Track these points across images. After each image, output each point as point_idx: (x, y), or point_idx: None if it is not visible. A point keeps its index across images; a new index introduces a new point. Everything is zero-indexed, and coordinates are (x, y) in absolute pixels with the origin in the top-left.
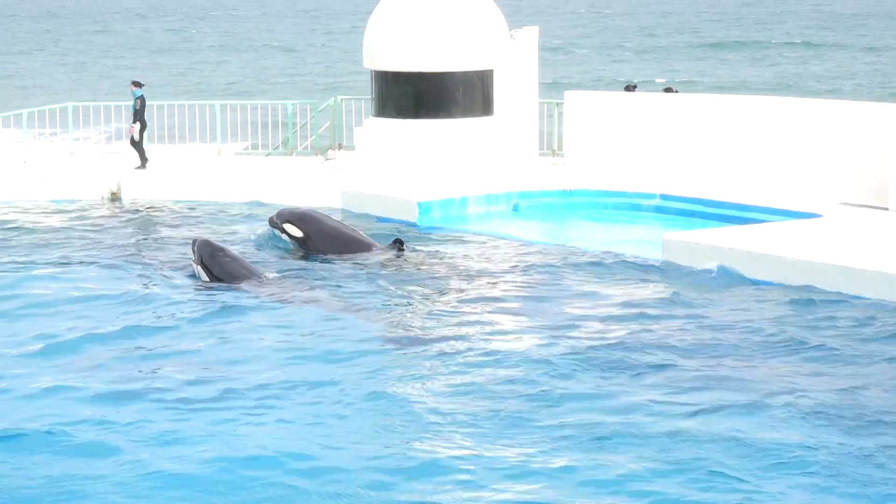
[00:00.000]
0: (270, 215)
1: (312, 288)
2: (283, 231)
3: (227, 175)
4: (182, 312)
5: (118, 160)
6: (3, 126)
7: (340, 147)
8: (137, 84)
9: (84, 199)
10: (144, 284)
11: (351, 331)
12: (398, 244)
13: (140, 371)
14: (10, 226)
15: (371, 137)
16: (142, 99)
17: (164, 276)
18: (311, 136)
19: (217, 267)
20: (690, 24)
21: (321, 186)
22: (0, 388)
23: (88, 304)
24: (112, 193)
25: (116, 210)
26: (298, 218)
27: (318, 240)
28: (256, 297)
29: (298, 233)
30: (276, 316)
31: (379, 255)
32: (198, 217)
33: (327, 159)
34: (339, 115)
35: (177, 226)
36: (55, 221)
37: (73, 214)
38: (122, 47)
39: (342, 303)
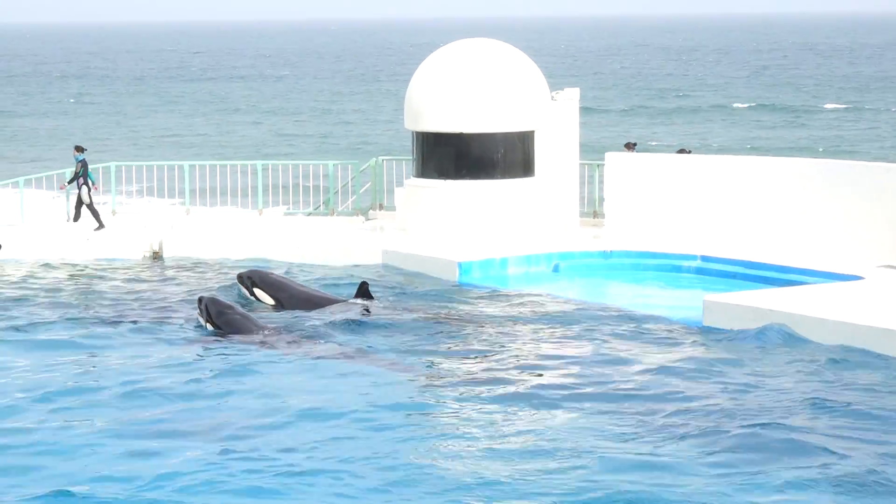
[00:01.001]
0: (240, 272)
1: (333, 343)
2: (253, 294)
3: (269, 234)
4: (216, 369)
5: (160, 219)
6: (47, 185)
7: (381, 207)
8: (80, 149)
9: (126, 258)
10: (179, 342)
11: (390, 386)
12: (364, 291)
13: (168, 427)
14: (51, 284)
15: (412, 198)
16: (83, 162)
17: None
18: (352, 196)
19: (226, 324)
20: (734, 84)
21: (362, 246)
22: (22, 442)
23: (127, 362)
24: (154, 252)
25: (158, 268)
26: (268, 285)
27: (289, 305)
28: (283, 353)
29: (269, 300)
30: (311, 372)
31: (350, 308)
32: (226, 276)
33: (368, 219)
34: (379, 176)
35: (217, 285)
36: (97, 279)
37: (115, 273)
38: (160, 106)
39: (375, 357)
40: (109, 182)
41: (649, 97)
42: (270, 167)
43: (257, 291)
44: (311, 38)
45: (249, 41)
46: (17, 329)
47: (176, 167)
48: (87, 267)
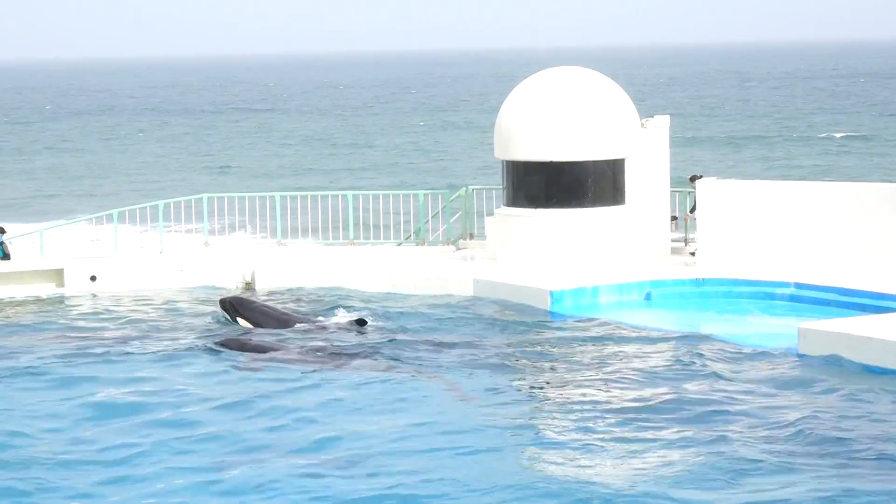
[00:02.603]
0: (222, 297)
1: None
2: (235, 320)
3: (359, 265)
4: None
5: (252, 250)
6: (140, 218)
7: (472, 236)
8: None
9: (219, 289)
10: (263, 369)
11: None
12: (360, 323)
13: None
14: (143, 314)
15: (502, 226)
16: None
17: (278, 361)
18: (442, 226)
19: (253, 314)
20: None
21: (453, 276)
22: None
23: (218, 388)
24: (246, 283)
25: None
26: (250, 310)
27: (266, 326)
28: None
29: (247, 324)
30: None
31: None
32: (328, 304)
33: (458, 249)
34: (470, 205)
35: (306, 313)
36: (189, 310)
37: (207, 303)
38: (245, 137)
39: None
40: (202, 213)
41: (746, 124)
42: (361, 197)
43: (239, 319)
44: (388, 69)
45: (322, 72)
46: (107, 356)
47: (267, 198)
48: (178, 298)
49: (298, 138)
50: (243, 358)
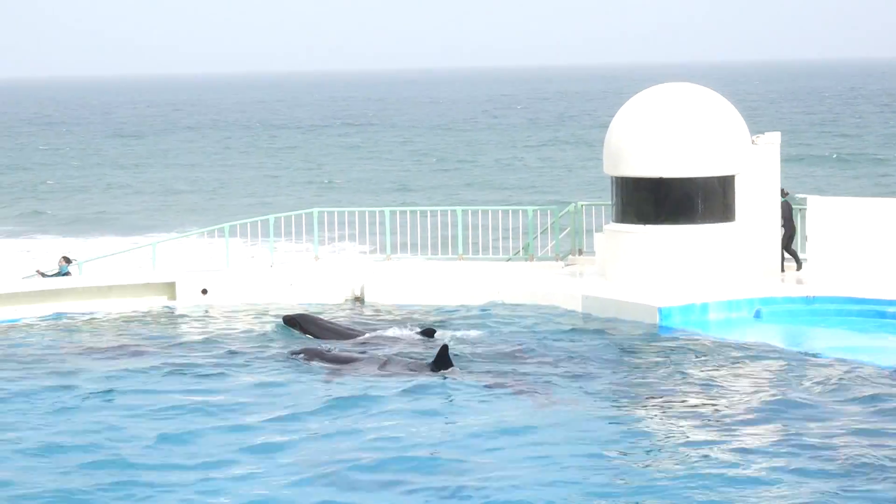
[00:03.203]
0: (286, 314)
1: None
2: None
3: (468, 280)
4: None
5: (362, 264)
6: (251, 232)
7: (581, 252)
8: (67, 260)
9: (328, 303)
10: (375, 383)
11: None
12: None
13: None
14: (253, 327)
15: (611, 242)
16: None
17: (390, 373)
18: (551, 241)
19: (319, 329)
20: None
21: (561, 292)
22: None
23: (324, 399)
24: (356, 297)
25: (358, 312)
26: (311, 324)
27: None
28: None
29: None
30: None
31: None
32: (435, 319)
33: (567, 265)
34: (578, 221)
35: (417, 328)
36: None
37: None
38: (353, 151)
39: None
40: (312, 227)
41: (857, 141)
42: (470, 213)
43: (307, 335)
44: (497, 86)
45: (429, 88)
46: (215, 367)
47: (377, 213)
48: (288, 311)
49: (405, 153)
50: (329, 368)
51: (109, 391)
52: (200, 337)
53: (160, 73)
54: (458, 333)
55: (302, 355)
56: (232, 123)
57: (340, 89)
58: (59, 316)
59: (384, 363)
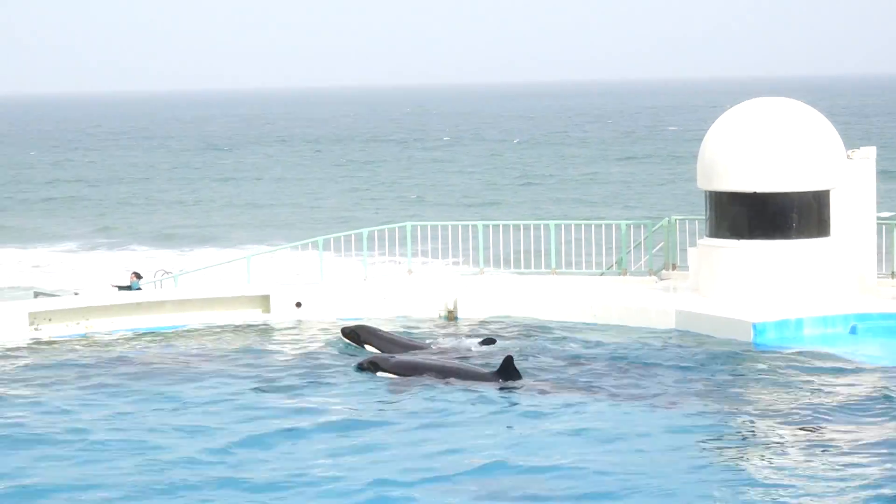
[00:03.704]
0: (344, 326)
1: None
2: (361, 348)
3: (561, 294)
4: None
5: (455, 278)
6: (345, 246)
7: (674, 267)
8: (137, 276)
9: (421, 317)
10: (469, 396)
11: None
12: (508, 366)
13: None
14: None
15: (705, 257)
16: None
17: (455, 383)
18: (644, 256)
19: (380, 341)
20: None
21: (655, 307)
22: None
23: (419, 412)
24: (449, 311)
25: (451, 326)
26: (372, 335)
27: (393, 352)
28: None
29: (375, 350)
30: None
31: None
32: (526, 334)
33: (661, 279)
34: (672, 236)
35: (513, 343)
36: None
37: (409, 330)
38: (442, 165)
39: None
40: (405, 241)
41: None
42: (563, 227)
43: (366, 346)
44: (587, 99)
45: (514, 102)
46: (305, 379)
47: (470, 227)
48: (382, 325)
49: (492, 167)
50: (396, 379)
51: (205, 403)
52: (293, 349)
53: (260, 86)
54: (531, 342)
55: (369, 366)
56: (323, 137)
57: (430, 103)
58: (153, 328)
59: (449, 373)
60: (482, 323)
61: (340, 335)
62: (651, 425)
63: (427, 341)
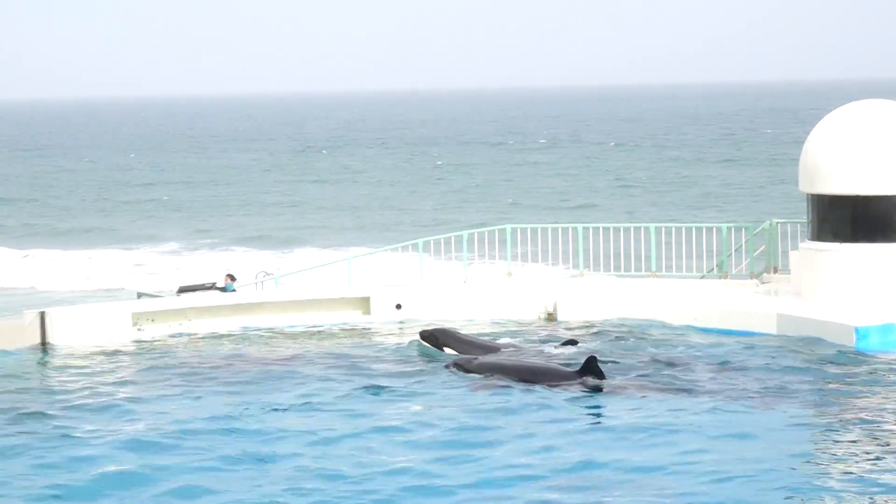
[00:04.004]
0: (423, 329)
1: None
2: (441, 350)
3: (661, 297)
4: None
5: (554, 281)
6: (444, 248)
7: (776, 270)
8: (232, 277)
9: (520, 319)
10: (571, 399)
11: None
12: (592, 367)
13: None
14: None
15: (807, 261)
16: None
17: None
18: (745, 259)
19: (459, 343)
20: None
21: (756, 310)
22: None
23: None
24: (549, 313)
25: (550, 329)
26: (450, 338)
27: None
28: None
29: (454, 353)
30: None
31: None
32: (625, 337)
33: (762, 283)
34: (774, 239)
35: (610, 347)
36: (491, 340)
37: (509, 333)
38: (541, 168)
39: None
40: (505, 244)
41: None
42: (663, 230)
43: (445, 349)
44: (684, 102)
45: (611, 104)
46: (404, 381)
47: (570, 229)
48: (482, 327)
49: (589, 169)
50: (481, 379)
51: (305, 404)
52: (393, 351)
53: (357, 89)
54: (618, 344)
55: (454, 368)
56: (420, 139)
57: (526, 105)
58: (255, 329)
59: (531, 372)
60: (582, 325)
61: (419, 338)
62: (749, 427)
63: (505, 341)
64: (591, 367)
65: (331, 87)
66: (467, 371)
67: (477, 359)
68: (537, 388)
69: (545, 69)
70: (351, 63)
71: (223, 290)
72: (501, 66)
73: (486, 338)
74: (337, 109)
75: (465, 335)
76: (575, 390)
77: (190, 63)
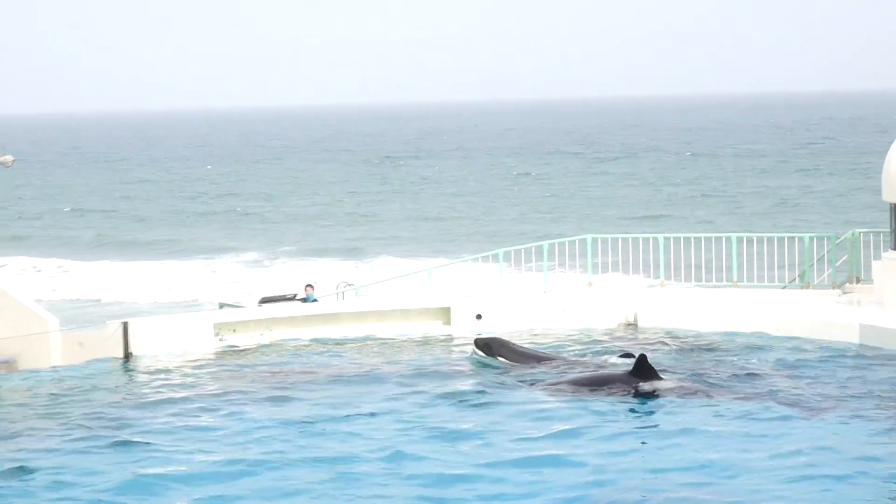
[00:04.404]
0: (477, 337)
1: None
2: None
3: (741, 307)
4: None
5: (635, 290)
6: (525, 258)
7: (858, 281)
8: (311, 287)
9: (602, 328)
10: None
11: None
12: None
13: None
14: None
15: (890, 271)
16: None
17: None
18: (827, 269)
19: (512, 353)
20: None
21: (838, 320)
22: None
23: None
24: (629, 323)
25: (630, 337)
26: (504, 348)
27: (526, 364)
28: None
29: (507, 362)
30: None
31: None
32: (705, 346)
33: (844, 293)
34: (856, 249)
35: (690, 358)
36: (571, 350)
37: (587, 342)
38: (623, 180)
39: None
40: (586, 254)
41: None
42: (745, 239)
43: (499, 358)
44: (765, 112)
45: (667, 115)
46: (482, 390)
47: (651, 239)
48: (561, 337)
49: (666, 179)
50: (538, 388)
51: (386, 413)
52: (472, 361)
53: (435, 100)
54: (698, 356)
55: (513, 376)
56: (496, 149)
57: (602, 115)
58: (336, 339)
59: (586, 379)
60: (665, 334)
61: (474, 347)
62: (831, 439)
63: (561, 355)
64: (641, 367)
65: (410, 97)
66: (521, 377)
67: (533, 367)
68: (598, 394)
69: (627, 79)
70: (431, 75)
71: (304, 300)
72: (582, 76)
73: (542, 349)
74: (414, 120)
75: (518, 345)
76: (629, 395)
77: (274, 76)
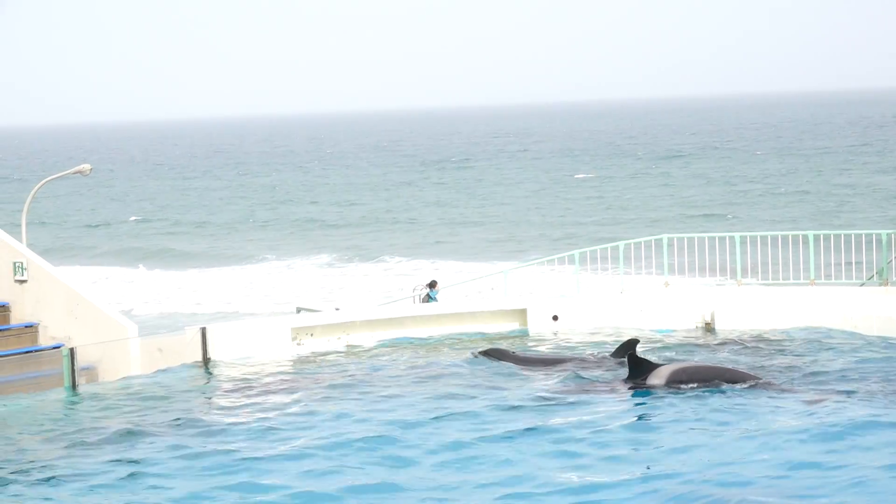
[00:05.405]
0: (480, 349)
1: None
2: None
3: (821, 305)
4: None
5: (712, 290)
6: (601, 259)
7: None
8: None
9: (679, 328)
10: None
11: None
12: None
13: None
14: (604, 356)
15: None
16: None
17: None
18: None
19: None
20: None
21: None
22: None
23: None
24: (706, 323)
25: (709, 338)
26: (507, 357)
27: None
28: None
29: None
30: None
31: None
32: (784, 346)
33: None
34: None
35: (776, 361)
36: (647, 350)
37: (665, 343)
38: (693, 179)
39: None
40: (662, 254)
41: None
42: (822, 237)
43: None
44: (809, 109)
45: (736, 114)
46: (557, 392)
47: (727, 238)
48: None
49: (736, 178)
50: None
51: (464, 414)
52: (542, 368)
53: (507, 102)
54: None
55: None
56: (564, 150)
57: (669, 115)
58: (414, 342)
59: (556, 360)
60: (741, 334)
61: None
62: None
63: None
64: (633, 362)
65: (480, 100)
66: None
67: (542, 368)
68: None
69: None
70: (504, 77)
71: (428, 298)
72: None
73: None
74: (487, 121)
75: (518, 352)
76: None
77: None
